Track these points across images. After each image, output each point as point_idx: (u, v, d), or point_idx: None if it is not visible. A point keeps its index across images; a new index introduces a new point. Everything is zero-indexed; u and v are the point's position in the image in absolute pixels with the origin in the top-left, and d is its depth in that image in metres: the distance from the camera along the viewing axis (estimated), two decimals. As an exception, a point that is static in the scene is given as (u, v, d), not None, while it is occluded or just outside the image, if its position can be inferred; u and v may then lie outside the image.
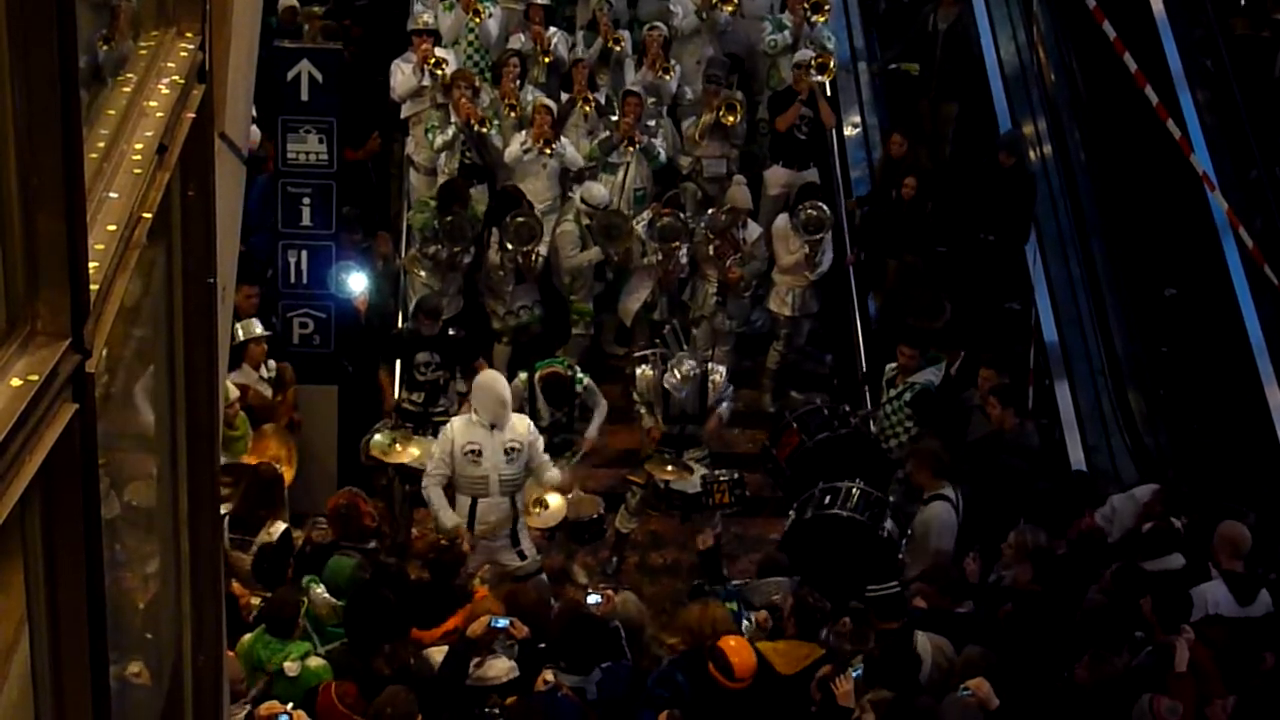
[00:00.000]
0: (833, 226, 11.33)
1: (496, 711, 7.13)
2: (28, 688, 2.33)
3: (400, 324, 11.16)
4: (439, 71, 11.54)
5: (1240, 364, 11.21)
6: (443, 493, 9.17)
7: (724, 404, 10.20)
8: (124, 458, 3.15)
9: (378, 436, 9.87)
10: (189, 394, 3.46)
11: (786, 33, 12.35)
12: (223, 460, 8.97)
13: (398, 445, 9.75)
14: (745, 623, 8.07)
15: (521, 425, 9.17)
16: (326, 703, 6.96)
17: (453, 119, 11.55)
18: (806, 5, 12.15)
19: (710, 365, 10.05)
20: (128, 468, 3.20)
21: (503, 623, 7.41)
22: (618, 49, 12.27)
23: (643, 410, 10.09)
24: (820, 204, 11.15)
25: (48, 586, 2.32)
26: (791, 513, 9.38)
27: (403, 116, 12.09)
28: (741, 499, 9.84)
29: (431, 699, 7.12)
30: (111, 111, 2.83)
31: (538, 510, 9.39)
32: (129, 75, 3.01)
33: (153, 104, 3.06)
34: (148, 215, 2.83)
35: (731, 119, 11.87)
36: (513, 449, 9.06)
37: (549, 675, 7.27)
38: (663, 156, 11.84)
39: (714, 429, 10.28)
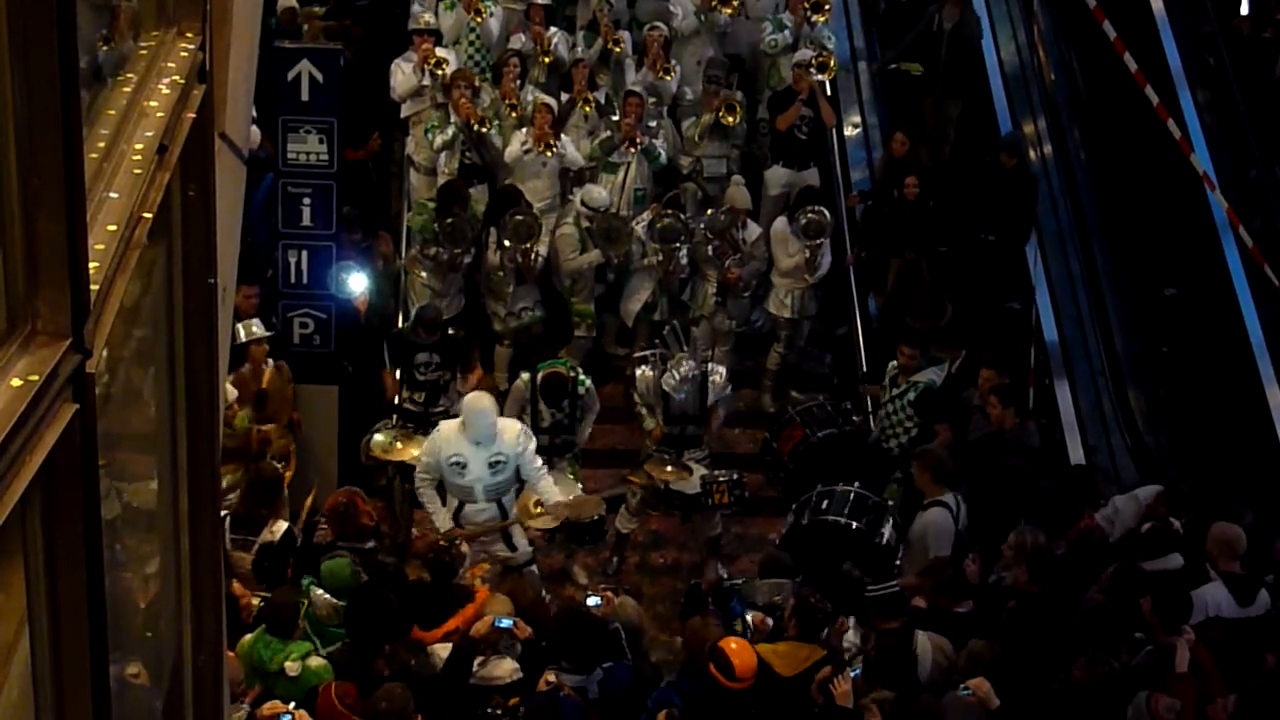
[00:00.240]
0: (833, 229, 11.32)
1: (499, 712, 7.14)
2: (28, 688, 2.33)
3: (400, 324, 11.16)
4: (439, 72, 11.54)
5: (1240, 364, 11.22)
6: (436, 494, 9.18)
7: (723, 404, 10.20)
8: (124, 458, 3.15)
9: (378, 436, 9.88)
10: (189, 394, 3.46)
11: (787, 32, 12.35)
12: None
13: (398, 444, 9.76)
14: (741, 623, 8.06)
15: (509, 434, 9.06)
16: (327, 703, 6.96)
17: (453, 119, 11.55)
18: (807, 5, 12.14)
19: (710, 366, 10.04)
20: (128, 468, 3.20)
21: (506, 623, 7.42)
22: (618, 49, 12.27)
23: (643, 411, 10.08)
24: (820, 208, 11.13)
25: (48, 586, 2.32)
26: (790, 515, 9.38)
27: (403, 116, 12.09)
28: (741, 499, 9.84)
29: (435, 698, 7.12)
30: (112, 111, 2.83)
31: (539, 510, 9.39)
32: (129, 75, 3.01)
33: (153, 104, 3.06)
34: (148, 215, 2.83)
35: (731, 119, 11.87)
36: (497, 461, 9.04)
37: (551, 676, 7.28)
38: (663, 157, 11.84)
39: (714, 429, 10.28)
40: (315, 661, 7.36)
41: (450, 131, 11.55)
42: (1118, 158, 12.87)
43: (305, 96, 10.30)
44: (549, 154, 11.41)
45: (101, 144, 2.71)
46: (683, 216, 11.19)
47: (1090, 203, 12.62)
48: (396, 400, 10.31)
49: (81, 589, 2.37)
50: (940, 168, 12.51)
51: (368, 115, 12.06)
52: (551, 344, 11.36)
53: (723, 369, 10.24)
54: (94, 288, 2.42)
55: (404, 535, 10.21)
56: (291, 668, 7.27)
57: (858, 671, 7.31)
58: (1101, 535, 8.88)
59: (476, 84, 11.68)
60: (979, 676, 7.11)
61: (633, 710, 7.34)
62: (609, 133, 11.65)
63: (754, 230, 11.39)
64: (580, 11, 13.01)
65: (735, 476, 9.81)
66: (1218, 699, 7.21)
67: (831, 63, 11.98)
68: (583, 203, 11.26)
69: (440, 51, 11.77)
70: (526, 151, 11.43)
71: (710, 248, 11.18)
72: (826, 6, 12.19)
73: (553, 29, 12.39)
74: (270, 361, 9.98)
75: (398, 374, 10.41)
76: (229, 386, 9.36)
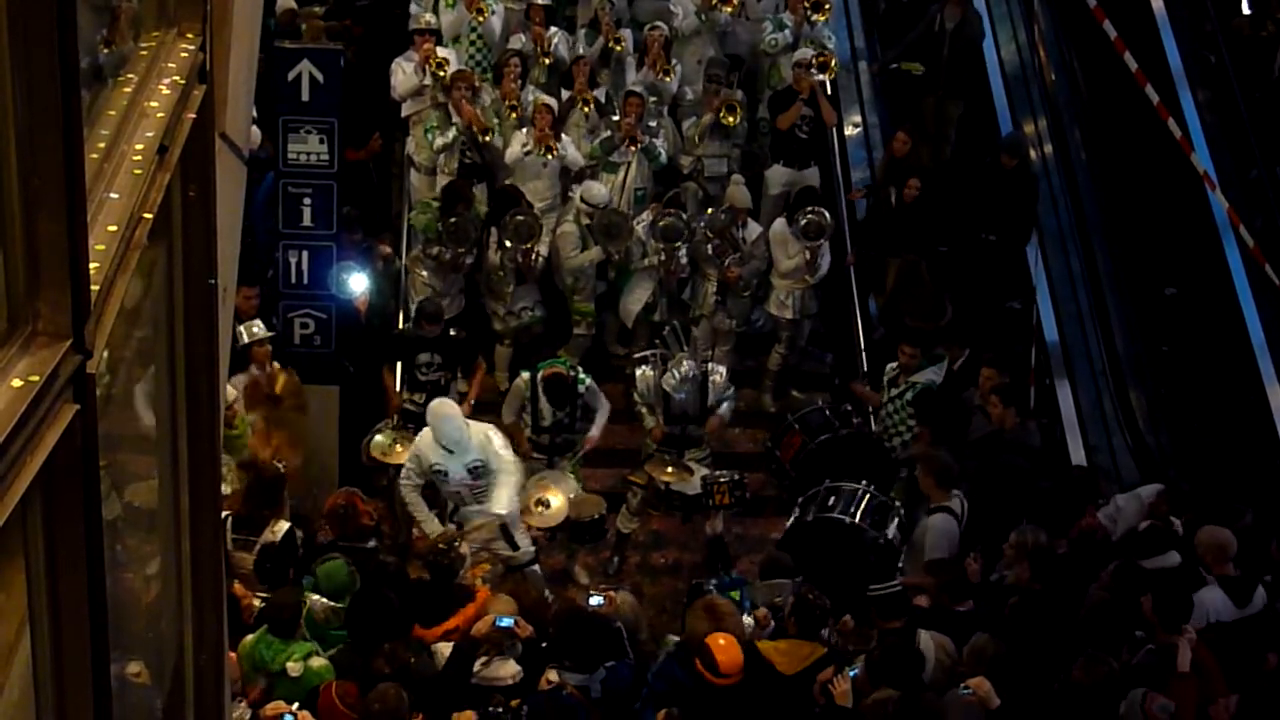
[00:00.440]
0: (833, 230, 11.30)
1: (501, 711, 7.14)
2: (29, 688, 2.33)
3: (401, 324, 11.16)
4: (440, 73, 11.54)
5: (1241, 363, 11.22)
6: (421, 499, 9.19)
7: (724, 404, 10.20)
8: (125, 458, 3.15)
9: (378, 437, 9.88)
10: (190, 394, 3.46)
11: (787, 32, 12.34)
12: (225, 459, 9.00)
13: (398, 446, 9.76)
14: (746, 618, 8.07)
15: (476, 438, 9.05)
16: (327, 702, 6.97)
17: (453, 120, 11.55)
18: (807, 5, 12.14)
19: (710, 365, 10.04)
20: (129, 468, 3.20)
21: (508, 622, 7.43)
22: (619, 49, 12.27)
23: (644, 411, 10.09)
24: (820, 209, 11.12)
25: (49, 587, 2.32)
26: (795, 510, 9.38)
27: (403, 116, 12.08)
28: (742, 500, 9.85)
29: (436, 698, 7.12)
30: (112, 112, 2.83)
31: (539, 510, 9.39)
32: (130, 76, 3.01)
33: (153, 104, 3.06)
34: (148, 216, 2.83)
35: (731, 119, 11.86)
36: (476, 466, 9.05)
37: (553, 675, 7.28)
38: (663, 157, 11.83)
39: (715, 429, 10.28)
40: (317, 662, 7.36)
41: (451, 133, 11.55)
42: (1118, 157, 12.87)
43: (306, 96, 10.30)
44: (550, 155, 11.41)
45: (102, 144, 2.71)
46: (683, 216, 11.20)
47: (1091, 202, 12.62)
48: (397, 401, 10.31)
49: (82, 589, 2.37)
50: (941, 168, 12.51)
51: (368, 115, 12.06)
52: (552, 344, 11.37)
53: (723, 369, 10.23)
54: (94, 288, 2.42)
55: (405, 535, 10.20)
56: (293, 668, 7.27)
57: (856, 671, 7.30)
58: (1104, 534, 8.88)
59: (476, 84, 11.67)
60: (980, 675, 7.11)
61: (635, 710, 7.34)
62: (609, 132, 11.65)
63: (754, 229, 11.39)
64: (581, 11, 13.01)
65: (736, 477, 9.81)
66: (1220, 699, 7.20)
67: (832, 63, 11.98)
68: (582, 199, 11.26)
69: (441, 51, 11.77)
70: (527, 153, 11.43)
71: (710, 247, 11.17)
72: (827, 6, 12.18)
73: (553, 29, 12.39)
74: (276, 365, 9.97)
75: (398, 379, 10.41)
76: (230, 389, 9.37)
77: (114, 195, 2.70)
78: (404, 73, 11.80)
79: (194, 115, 3.32)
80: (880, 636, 7.65)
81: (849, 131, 13.01)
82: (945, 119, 12.87)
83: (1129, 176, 12.70)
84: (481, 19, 12.06)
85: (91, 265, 2.39)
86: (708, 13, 12.31)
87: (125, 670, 3.01)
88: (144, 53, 3.17)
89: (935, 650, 7.57)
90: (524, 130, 11.49)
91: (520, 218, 10.92)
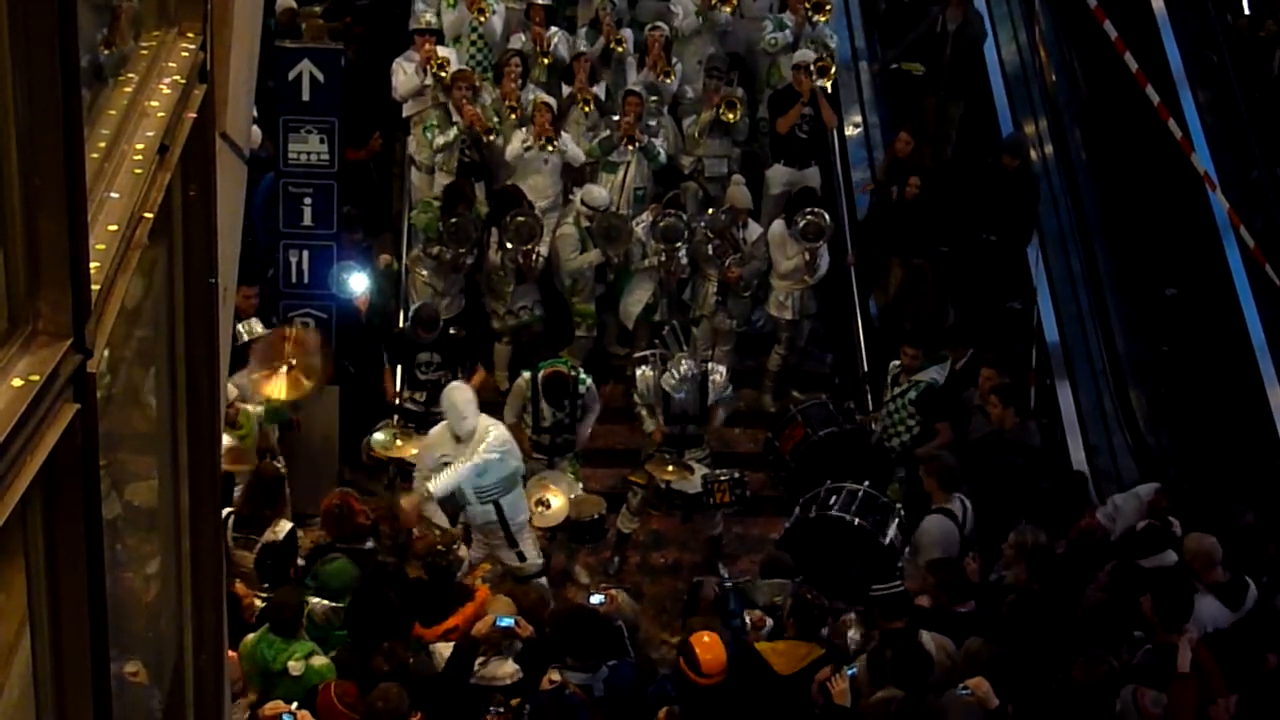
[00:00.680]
0: (832, 231, 11.29)
1: (501, 710, 7.14)
2: (29, 687, 2.33)
3: (401, 324, 11.16)
4: (442, 73, 11.53)
5: (1241, 363, 11.22)
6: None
7: (724, 404, 10.20)
8: (125, 458, 3.15)
9: (378, 435, 9.88)
10: (190, 394, 3.46)
11: (787, 31, 12.34)
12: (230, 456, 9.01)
13: (398, 443, 9.76)
14: (741, 620, 8.07)
15: (479, 429, 8.97)
16: (326, 702, 6.96)
17: (454, 119, 11.55)
18: (808, 5, 12.14)
19: (710, 365, 10.04)
20: (129, 468, 3.20)
21: (507, 622, 7.43)
22: (619, 49, 12.27)
23: (643, 413, 10.08)
24: (819, 210, 11.12)
25: (49, 586, 2.32)
26: (796, 509, 9.39)
27: (404, 116, 12.08)
28: (742, 498, 9.85)
29: (436, 698, 7.12)
30: (113, 111, 2.83)
31: (540, 510, 9.39)
32: (130, 75, 3.01)
33: (154, 104, 3.05)
34: (149, 215, 2.83)
35: (731, 116, 11.86)
36: (484, 460, 9.03)
37: (555, 674, 7.28)
38: (663, 156, 11.83)
39: (715, 429, 10.28)
40: (318, 661, 7.36)
41: (452, 132, 11.55)
42: (1119, 158, 12.87)
43: (306, 96, 10.30)
44: (550, 149, 11.41)
45: (102, 144, 2.71)
46: (683, 216, 11.19)
47: (1091, 203, 12.62)
48: (397, 400, 10.31)
49: (82, 589, 2.37)
50: (942, 168, 12.51)
51: (369, 114, 12.06)
52: (551, 343, 11.37)
53: (723, 368, 10.23)
54: (95, 288, 2.42)
55: (404, 535, 10.20)
56: (295, 667, 7.28)
57: (855, 670, 7.30)
58: (1103, 534, 8.88)
59: (476, 84, 11.68)
60: (978, 676, 7.11)
61: (637, 708, 7.35)
62: (608, 131, 11.65)
63: (754, 230, 11.39)
64: (581, 11, 13.01)
65: (737, 475, 9.81)
66: (1219, 699, 7.19)
67: (832, 69, 11.97)
68: (583, 202, 11.26)
69: (442, 51, 11.77)
70: (527, 149, 11.44)
71: (711, 247, 11.17)
72: (828, 6, 12.19)
73: (553, 29, 12.39)
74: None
75: (398, 374, 10.41)
76: (232, 388, 9.37)
77: (114, 195, 2.70)
78: (405, 73, 11.80)
79: (194, 115, 3.32)
80: (882, 637, 7.65)
81: (849, 132, 13.01)
82: (946, 119, 12.87)
83: (1130, 177, 12.70)
84: (482, 19, 12.06)
85: (92, 265, 2.39)
86: (707, 12, 12.31)
87: (125, 670, 3.01)
88: (144, 52, 3.17)
89: (936, 651, 7.56)
90: (524, 129, 11.50)
91: (521, 219, 10.92)
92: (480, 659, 7.43)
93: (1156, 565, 8.20)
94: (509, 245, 10.92)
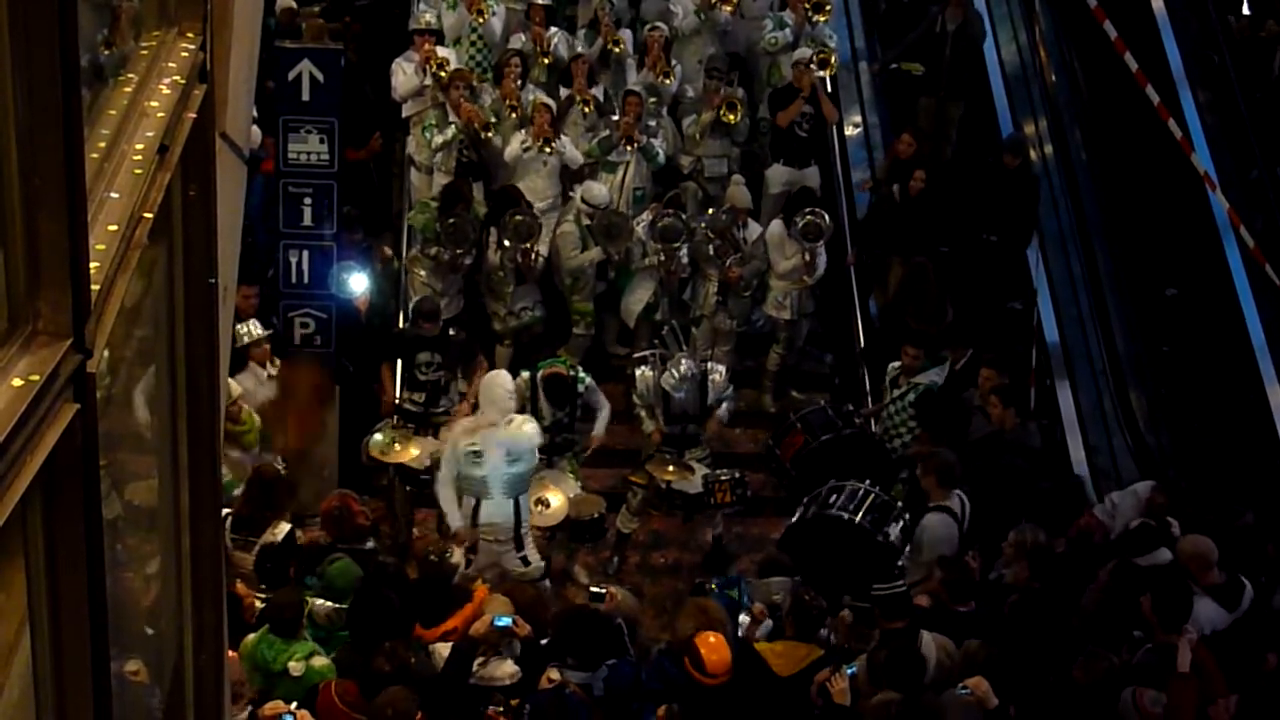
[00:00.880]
0: (831, 232, 11.29)
1: (501, 710, 7.14)
2: (29, 687, 2.33)
3: (401, 324, 11.16)
4: (442, 74, 11.53)
5: (1241, 364, 11.21)
6: (453, 493, 9.16)
7: (724, 404, 10.20)
8: (125, 458, 3.15)
9: (377, 436, 9.87)
10: (190, 394, 3.46)
11: (787, 30, 12.35)
12: (232, 458, 9.03)
13: (397, 445, 9.76)
14: (744, 616, 8.07)
15: (528, 427, 9.12)
16: (326, 701, 6.96)
17: (451, 119, 11.55)
18: (808, 5, 12.15)
19: (710, 365, 10.04)
20: (129, 468, 3.20)
21: (506, 621, 7.42)
22: (618, 50, 12.27)
23: (643, 413, 10.08)
24: (818, 210, 11.12)
25: (49, 586, 2.32)
26: (799, 510, 9.38)
27: (404, 116, 12.09)
28: (743, 498, 9.84)
29: (435, 697, 7.12)
30: (113, 111, 2.83)
31: (540, 509, 9.39)
32: (130, 75, 3.01)
33: (154, 104, 3.05)
34: (149, 215, 2.83)
35: (732, 117, 11.87)
36: (515, 450, 9.04)
37: (554, 673, 7.28)
38: (661, 157, 11.84)
39: (714, 429, 10.28)
40: (319, 661, 7.36)
41: (450, 131, 11.55)
42: (1119, 158, 12.87)
43: (306, 96, 10.30)
44: (548, 150, 11.41)
45: (102, 144, 2.71)
46: (683, 216, 11.20)
47: (1091, 203, 12.62)
48: (396, 400, 10.30)
49: (82, 589, 2.37)
50: (942, 168, 12.51)
51: (369, 115, 12.07)
52: (552, 344, 11.37)
53: (722, 368, 10.23)
54: (95, 288, 2.42)
55: (404, 535, 10.21)
56: (295, 667, 7.27)
57: (854, 670, 7.30)
58: (1103, 533, 8.87)
59: (475, 84, 11.68)
60: (977, 676, 7.10)
61: (636, 708, 7.34)
62: (608, 131, 11.66)
63: (755, 229, 11.39)
64: (581, 11, 13.02)
65: (737, 475, 9.81)
66: (1219, 700, 7.19)
67: (832, 59, 11.98)
68: (583, 199, 11.26)
69: (442, 51, 11.77)
70: (526, 150, 11.44)
71: (711, 247, 11.17)
72: (828, 7, 12.19)
73: (553, 29, 12.39)
74: (277, 359, 9.95)
75: (398, 374, 10.41)
76: (232, 384, 9.38)
77: (114, 195, 2.70)
78: (404, 73, 11.80)
79: (194, 115, 3.32)
80: (882, 637, 7.65)
81: (849, 131, 13.01)
82: (946, 119, 12.87)
83: (1130, 177, 12.70)
84: (482, 20, 12.06)
85: (92, 265, 2.39)
86: (707, 12, 12.31)
87: (125, 670, 3.01)
88: (144, 52, 3.17)
89: (936, 651, 7.56)
90: (523, 130, 11.50)
91: (519, 217, 10.92)
92: (480, 659, 7.43)
93: (1151, 563, 8.20)
94: (508, 244, 10.92)
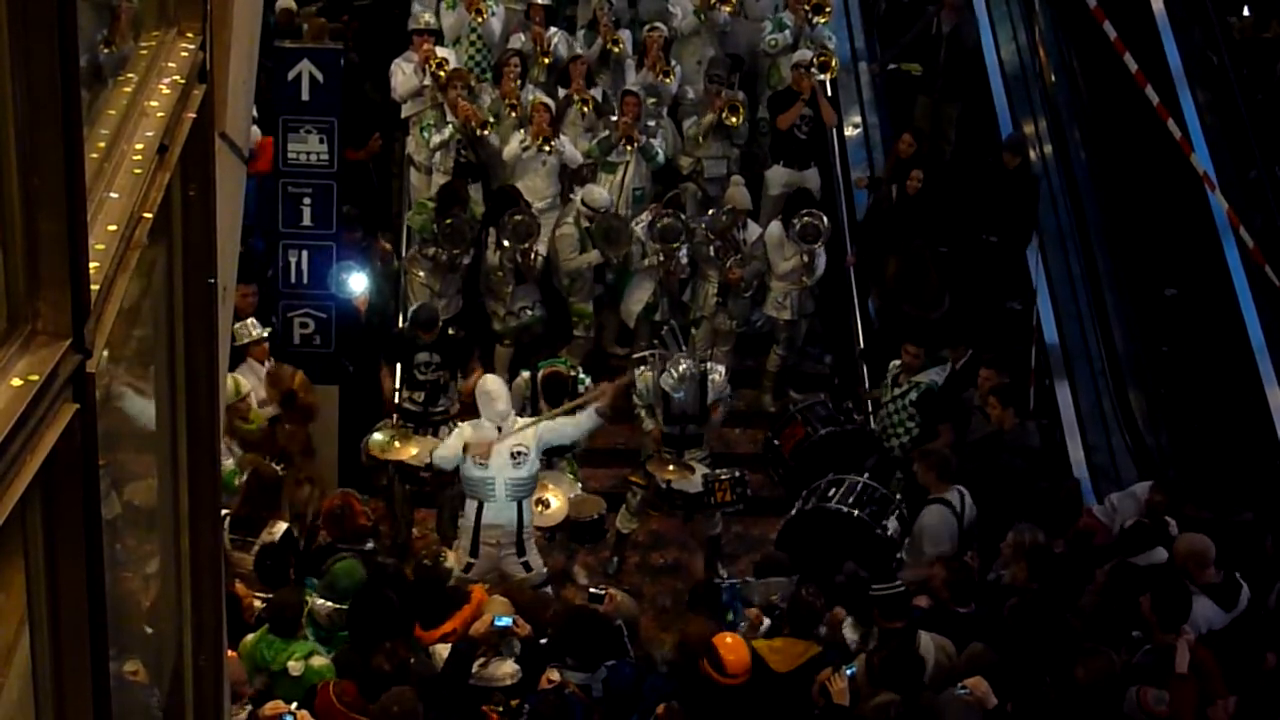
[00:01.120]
0: (830, 233, 11.29)
1: (501, 710, 7.14)
2: (28, 687, 2.33)
3: (401, 324, 11.16)
4: (440, 74, 11.53)
5: (1241, 364, 11.21)
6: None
7: (722, 404, 10.20)
8: (125, 458, 3.15)
9: (377, 435, 9.87)
10: (189, 394, 3.46)
11: (787, 32, 12.35)
12: (237, 454, 9.04)
13: (396, 444, 9.75)
14: (741, 622, 8.07)
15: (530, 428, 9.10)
16: (325, 701, 6.96)
17: (449, 118, 11.55)
18: (808, 6, 12.15)
19: (709, 365, 10.05)
20: (128, 467, 3.19)
21: (505, 621, 7.43)
22: (617, 50, 12.27)
23: (643, 414, 10.08)
24: (816, 211, 11.13)
25: (48, 586, 2.32)
26: (797, 502, 9.40)
27: (403, 116, 12.09)
28: (743, 497, 9.84)
29: (435, 697, 7.12)
30: (112, 111, 2.83)
31: (539, 510, 9.39)
32: (130, 75, 3.01)
33: (153, 104, 3.05)
34: (148, 215, 2.83)
35: (734, 120, 11.87)
36: (519, 452, 9.03)
37: (554, 674, 7.28)
38: (661, 157, 11.84)
39: (714, 428, 10.28)
40: (318, 661, 7.36)
41: (448, 131, 11.55)
42: (1118, 158, 12.87)
43: (306, 96, 10.30)
44: (547, 149, 11.41)
45: (102, 144, 2.71)
46: (683, 216, 11.20)
47: (1091, 203, 12.62)
48: (396, 400, 10.30)
49: (82, 588, 2.37)
50: (941, 168, 12.52)
51: (369, 115, 12.06)
52: (551, 344, 11.37)
53: (722, 368, 10.24)
54: (94, 287, 2.42)
55: (404, 535, 10.21)
56: (294, 667, 7.27)
57: (854, 669, 7.30)
58: (1103, 533, 8.87)
59: (474, 84, 11.68)
60: (976, 676, 7.10)
61: (637, 707, 7.35)
62: (607, 132, 11.66)
63: (754, 230, 11.40)
64: (580, 11, 13.02)
65: (737, 474, 9.81)
66: (1219, 700, 7.19)
67: (833, 62, 11.98)
68: (583, 202, 11.27)
69: (441, 51, 11.78)
70: (525, 149, 11.44)
71: (711, 248, 11.18)
72: (828, 8, 12.20)
73: (553, 29, 12.40)
74: (272, 359, 9.98)
75: (397, 374, 10.41)
76: (239, 379, 9.39)
77: (114, 195, 2.70)
78: (404, 73, 11.81)
79: (194, 115, 3.32)
80: (881, 637, 7.65)
81: (849, 132, 13.02)
82: (943, 119, 12.88)
83: (1129, 177, 12.70)
84: (481, 20, 12.06)
85: (91, 265, 2.39)
86: (707, 12, 12.32)
87: (125, 670, 3.01)
88: (144, 52, 3.17)
89: (936, 652, 7.56)
90: (522, 130, 11.51)
91: (519, 217, 10.92)
92: (480, 659, 7.43)
93: (1148, 563, 8.20)
94: (507, 244, 10.92)
